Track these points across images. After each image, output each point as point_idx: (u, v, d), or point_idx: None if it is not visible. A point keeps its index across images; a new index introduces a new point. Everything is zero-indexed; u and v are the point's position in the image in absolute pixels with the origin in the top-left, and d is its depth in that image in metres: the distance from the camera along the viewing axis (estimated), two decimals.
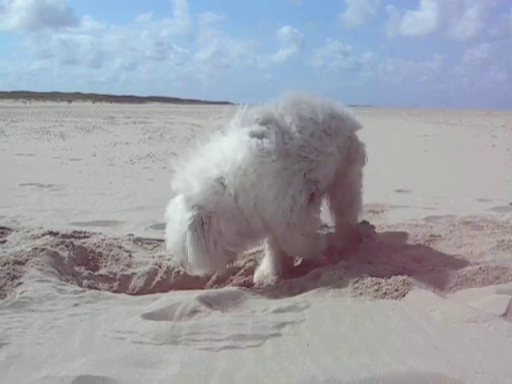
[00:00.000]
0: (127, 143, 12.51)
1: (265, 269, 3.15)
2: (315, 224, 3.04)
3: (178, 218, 2.75)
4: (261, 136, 2.79)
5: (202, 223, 2.69)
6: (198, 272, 3.00)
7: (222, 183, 2.72)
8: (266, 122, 2.86)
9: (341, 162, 3.25)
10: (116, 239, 3.41)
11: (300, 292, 2.64)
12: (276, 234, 2.94)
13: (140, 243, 3.46)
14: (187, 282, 2.98)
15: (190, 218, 2.68)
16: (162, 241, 3.57)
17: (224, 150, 2.80)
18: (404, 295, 2.47)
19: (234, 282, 3.11)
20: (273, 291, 2.66)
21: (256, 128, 2.83)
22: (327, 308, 2.36)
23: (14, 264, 2.72)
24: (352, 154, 3.39)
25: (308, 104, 3.06)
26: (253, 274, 3.15)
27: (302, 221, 2.86)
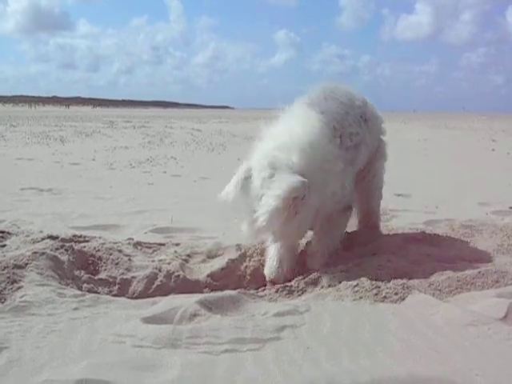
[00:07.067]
0: (127, 147, 12.51)
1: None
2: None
3: (276, 186, 2.59)
4: (324, 123, 2.99)
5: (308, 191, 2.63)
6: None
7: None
8: (323, 110, 3.05)
9: (369, 153, 3.47)
10: (116, 243, 3.41)
11: (300, 295, 2.64)
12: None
13: (140, 247, 3.46)
14: (187, 286, 2.98)
15: (298, 183, 2.57)
16: (162, 245, 3.58)
17: (297, 132, 2.89)
18: (404, 299, 2.47)
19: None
20: (272, 295, 2.66)
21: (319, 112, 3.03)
22: (327, 312, 2.36)
23: (13, 268, 2.72)
24: (378, 150, 3.65)
25: (346, 92, 3.33)
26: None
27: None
